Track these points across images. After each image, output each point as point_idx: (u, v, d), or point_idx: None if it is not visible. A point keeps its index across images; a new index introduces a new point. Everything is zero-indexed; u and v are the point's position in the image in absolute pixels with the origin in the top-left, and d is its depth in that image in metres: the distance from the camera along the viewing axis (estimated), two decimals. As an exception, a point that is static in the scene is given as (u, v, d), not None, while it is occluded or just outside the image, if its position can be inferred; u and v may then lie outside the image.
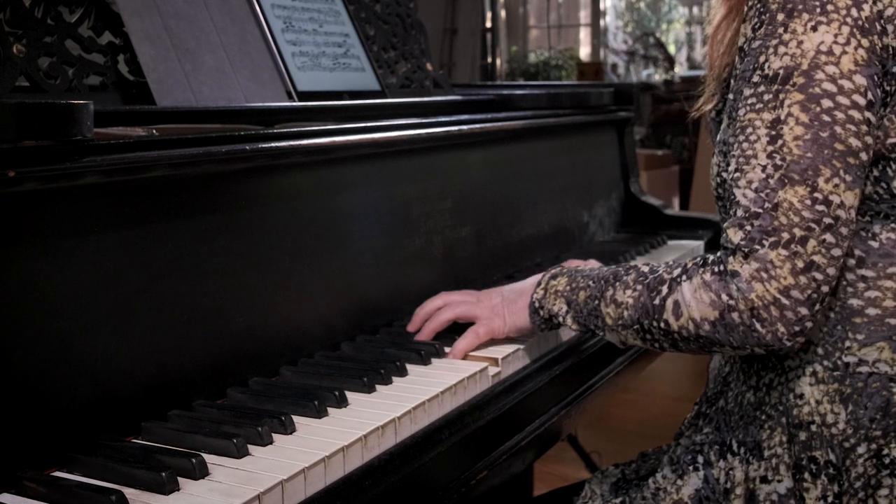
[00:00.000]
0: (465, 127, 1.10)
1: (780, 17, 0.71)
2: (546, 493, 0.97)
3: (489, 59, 5.60)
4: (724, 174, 0.79)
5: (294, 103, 1.01)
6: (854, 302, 0.73)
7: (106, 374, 0.67)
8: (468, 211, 1.10)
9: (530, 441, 0.84)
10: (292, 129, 0.86)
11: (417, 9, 1.33)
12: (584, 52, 6.16)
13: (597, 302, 0.78)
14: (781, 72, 0.70)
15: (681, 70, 5.69)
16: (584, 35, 6.28)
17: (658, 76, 5.54)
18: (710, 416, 0.84)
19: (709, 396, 0.86)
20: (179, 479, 0.60)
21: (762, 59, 0.71)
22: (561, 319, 0.83)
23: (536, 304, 0.84)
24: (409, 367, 0.82)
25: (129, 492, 0.58)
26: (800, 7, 0.70)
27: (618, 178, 1.52)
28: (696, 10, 6.04)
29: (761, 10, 0.72)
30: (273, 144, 0.82)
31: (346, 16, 1.16)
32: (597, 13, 6.07)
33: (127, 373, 0.68)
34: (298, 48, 1.06)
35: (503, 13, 6.08)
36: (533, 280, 0.86)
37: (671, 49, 5.93)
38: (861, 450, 0.71)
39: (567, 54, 5.91)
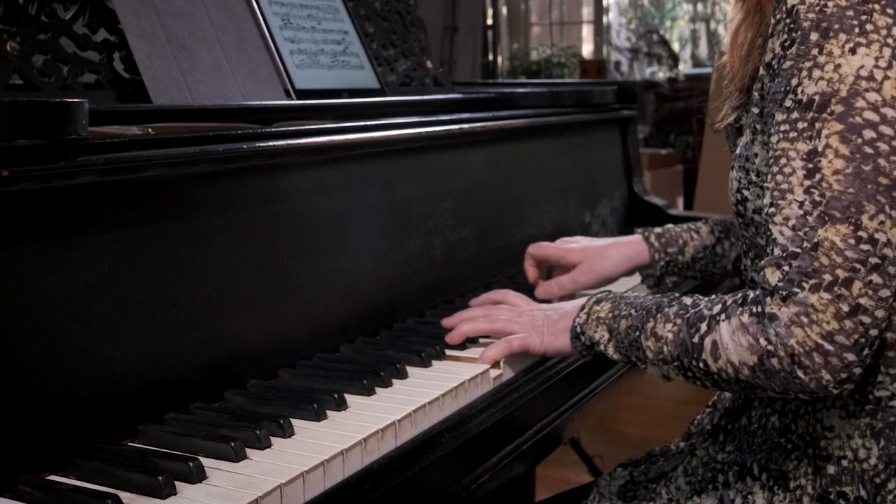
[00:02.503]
0: (465, 126, 1.09)
1: (814, 36, 0.66)
2: (551, 497, 0.95)
3: (490, 57, 5.59)
4: (746, 191, 0.75)
5: (292, 102, 1.00)
6: (888, 335, 0.69)
7: (102, 377, 0.66)
8: (469, 211, 1.10)
9: (532, 445, 0.83)
10: (290, 128, 0.85)
11: (417, 6, 1.32)
12: (587, 50, 6.15)
13: (637, 333, 0.74)
14: (817, 98, 0.65)
15: (685, 68, 5.67)
16: (587, 32, 6.27)
17: (662, 74, 5.52)
18: (732, 433, 0.81)
19: (728, 409, 0.83)
20: (176, 483, 0.59)
21: (794, 81, 0.66)
22: (602, 348, 0.78)
23: (578, 330, 0.80)
24: (409, 369, 0.82)
25: (125, 496, 0.58)
26: (836, 26, 0.65)
27: (621, 178, 1.50)
28: (700, 6, 6.02)
29: (791, 25, 0.67)
30: (271, 143, 0.81)
31: (344, 13, 1.15)
32: (599, 10, 6.06)
33: (123, 375, 0.68)
34: (297, 46, 1.05)
35: (504, 10, 6.07)
36: (577, 303, 0.83)
37: (675, 46, 5.92)
38: (892, 485, 0.69)
39: (569, 52, 5.90)
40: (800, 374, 0.64)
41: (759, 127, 0.73)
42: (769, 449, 0.75)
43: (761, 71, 0.72)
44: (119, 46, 0.88)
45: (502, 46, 5.94)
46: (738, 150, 0.76)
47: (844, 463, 0.71)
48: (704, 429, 0.87)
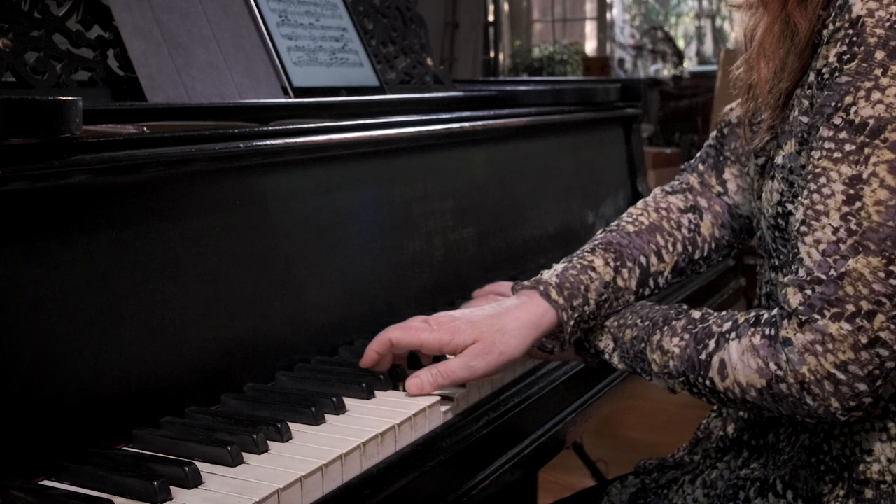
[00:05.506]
0: (466, 124, 1.08)
1: (880, 55, 0.62)
2: (554, 502, 0.94)
3: (492, 54, 5.58)
4: (790, 204, 0.70)
5: (290, 99, 0.99)
6: None
7: (96, 380, 0.65)
8: (470, 211, 1.09)
9: (534, 449, 0.82)
10: (288, 127, 0.85)
11: (417, 2, 1.31)
12: (590, 47, 6.15)
13: (643, 345, 0.72)
14: (871, 122, 0.62)
15: (690, 65, 5.66)
16: (590, 29, 6.26)
17: (666, 71, 5.51)
18: (757, 450, 0.79)
19: (750, 421, 0.81)
20: (172, 488, 0.58)
21: (848, 99, 0.63)
22: (607, 357, 0.76)
23: (582, 336, 0.78)
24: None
25: (119, 501, 0.57)
26: None
27: (625, 177, 1.49)
28: (705, 2, 6.01)
29: (855, 38, 0.63)
30: (268, 142, 0.80)
31: (343, 9, 1.14)
32: (603, 6, 6.05)
33: (117, 378, 0.67)
34: (294, 42, 1.04)
35: (506, 6, 6.06)
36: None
37: (680, 43, 5.91)
38: None
39: (572, 49, 5.89)
40: (808, 400, 0.63)
41: (807, 137, 0.69)
42: (795, 466, 0.73)
43: (811, 77, 0.68)
44: (113, 43, 0.87)
45: (504, 43, 5.94)
46: (779, 160, 0.72)
47: (884, 487, 0.69)
48: (715, 435, 0.85)
